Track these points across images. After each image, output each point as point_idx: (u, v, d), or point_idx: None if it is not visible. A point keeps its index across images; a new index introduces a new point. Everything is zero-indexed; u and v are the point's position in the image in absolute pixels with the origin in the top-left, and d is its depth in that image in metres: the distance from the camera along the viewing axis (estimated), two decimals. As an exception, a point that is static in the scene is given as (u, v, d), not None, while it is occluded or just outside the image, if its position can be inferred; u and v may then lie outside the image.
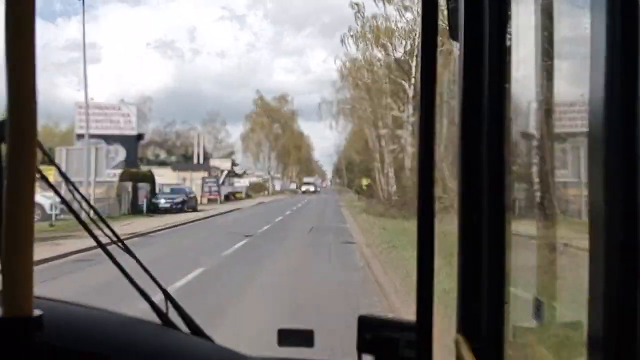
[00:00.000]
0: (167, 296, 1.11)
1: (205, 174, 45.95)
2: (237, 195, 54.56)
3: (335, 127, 44.85)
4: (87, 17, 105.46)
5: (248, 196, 59.86)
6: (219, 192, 45.09)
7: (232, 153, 73.99)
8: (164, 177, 44.36)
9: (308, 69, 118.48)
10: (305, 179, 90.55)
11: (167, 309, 1.09)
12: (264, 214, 31.00)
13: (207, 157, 60.64)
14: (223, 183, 61.87)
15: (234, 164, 69.52)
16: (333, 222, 25.00)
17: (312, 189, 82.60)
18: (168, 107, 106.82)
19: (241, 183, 66.63)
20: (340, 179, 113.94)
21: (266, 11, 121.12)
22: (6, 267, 0.67)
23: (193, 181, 44.41)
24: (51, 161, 1.05)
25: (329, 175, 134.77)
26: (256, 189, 71.84)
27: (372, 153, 43.24)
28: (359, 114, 40.56)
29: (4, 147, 0.68)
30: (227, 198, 50.24)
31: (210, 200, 43.70)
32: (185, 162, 54.90)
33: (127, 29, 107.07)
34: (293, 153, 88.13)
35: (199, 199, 43.02)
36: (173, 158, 61.95)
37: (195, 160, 54.57)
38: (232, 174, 67.64)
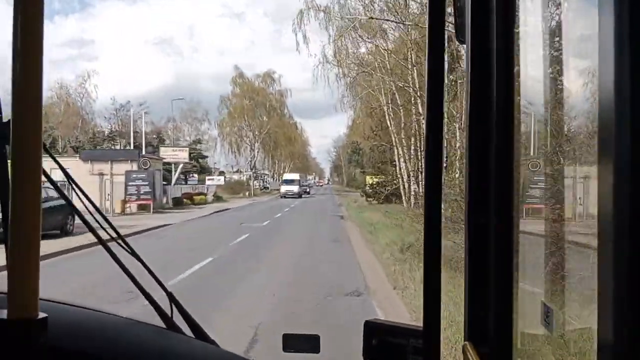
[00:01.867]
0: (172, 299, 1.10)
1: (135, 167, 29.48)
2: (198, 199, 38.76)
3: (337, 78, 27.86)
4: (85, 14, 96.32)
5: (217, 198, 44.20)
6: (154, 194, 28.87)
7: (197, 142, 58.08)
8: (71, 171, 29.00)
9: (307, 66, 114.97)
10: (286, 176, 60.09)
11: (171, 312, 1.08)
12: (194, 242, 15.62)
13: (158, 145, 44.82)
14: (185, 180, 46.81)
15: (201, 156, 54.11)
16: (333, 282, 9.48)
17: (294, 189, 53.78)
18: (165, 104, 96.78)
19: (214, 181, 51.77)
20: (339, 177, 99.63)
21: (265, 8, 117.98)
22: (12, 269, 0.68)
23: (115, 178, 28.61)
24: (55, 161, 1.04)
25: (327, 173, 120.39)
26: (236, 188, 56.44)
27: (392, 135, 28.07)
28: (371, 80, 25.15)
29: (9, 148, 0.69)
30: (179, 202, 34.72)
31: (141, 207, 28.11)
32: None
33: (125, 26, 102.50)
34: (284, 146, 72.88)
35: (118, 205, 27.61)
36: (117, 148, 46.34)
37: (134, 148, 38.51)
38: (197, 169, 52.60)
